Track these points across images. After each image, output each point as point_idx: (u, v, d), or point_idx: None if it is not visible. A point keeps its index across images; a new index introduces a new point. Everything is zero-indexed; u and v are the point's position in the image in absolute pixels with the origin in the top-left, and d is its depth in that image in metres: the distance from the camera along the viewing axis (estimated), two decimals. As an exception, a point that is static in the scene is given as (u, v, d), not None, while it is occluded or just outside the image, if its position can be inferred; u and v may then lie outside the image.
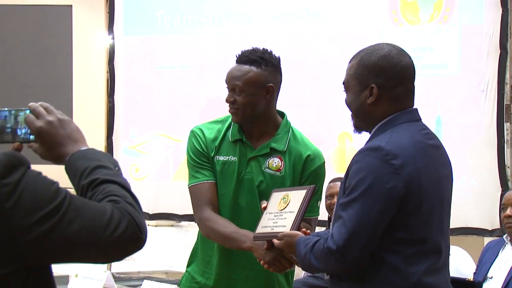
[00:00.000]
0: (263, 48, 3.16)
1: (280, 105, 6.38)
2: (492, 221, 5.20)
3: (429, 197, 2.41)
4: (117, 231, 1.60)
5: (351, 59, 2.57)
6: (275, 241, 2.67)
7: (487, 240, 4.95)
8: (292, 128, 3.18)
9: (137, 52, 6.19)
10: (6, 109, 1.78)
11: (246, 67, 3.13)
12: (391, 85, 2.48)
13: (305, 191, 2.88)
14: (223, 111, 6.71)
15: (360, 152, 2.42)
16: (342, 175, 5.43)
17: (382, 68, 2.49)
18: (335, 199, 4.53)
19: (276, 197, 2.96)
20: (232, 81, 3.13)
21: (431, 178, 2.42)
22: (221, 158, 3.20)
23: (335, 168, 5.60)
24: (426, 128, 2.55)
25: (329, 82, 5.59)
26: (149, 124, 6.10)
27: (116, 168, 1.79)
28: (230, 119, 3.23)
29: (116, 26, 6.21)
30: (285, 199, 2.91)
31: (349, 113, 2.68)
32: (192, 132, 3.30)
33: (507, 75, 5.10)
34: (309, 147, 3.20)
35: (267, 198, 3.06)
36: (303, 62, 5.69)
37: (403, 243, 2.38)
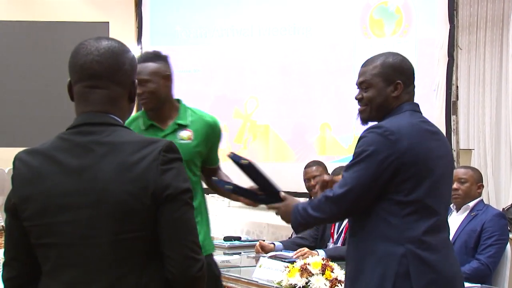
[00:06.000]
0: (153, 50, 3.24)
1: (274, 102, 6.45)
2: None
3: (422, 167, 2.44)
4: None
5: (366, 63, 2.59)
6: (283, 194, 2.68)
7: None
8: (189, 108, 3.22)
9: (160, 59, 6.20)
10: None
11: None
12: (409, 83, 2.55)
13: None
14: (228, 106, 6.79)
15: (366, 129, 2.48)
16: (323, 158, 5.47)
17: (404, 68, 2.55)
18: (312, 182, 4.63)
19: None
20: (141, 75, 2.90)
21: (425, 152, 2.46)
22: None
23: (317, 151, 5.65)
24: (425, 118, 2.61)
25: (313, 82, 5.63)
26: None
27: None
28: (136, 114, 3.21)
29: (144, 38, 6.27)
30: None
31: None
32: None
33: (454, 77, 5.13)
34: (209, 116, 3.25)
35: (185, 163, 3.13)
36: (292, 66, 5.75)
37: (399, 204, 2.40)
